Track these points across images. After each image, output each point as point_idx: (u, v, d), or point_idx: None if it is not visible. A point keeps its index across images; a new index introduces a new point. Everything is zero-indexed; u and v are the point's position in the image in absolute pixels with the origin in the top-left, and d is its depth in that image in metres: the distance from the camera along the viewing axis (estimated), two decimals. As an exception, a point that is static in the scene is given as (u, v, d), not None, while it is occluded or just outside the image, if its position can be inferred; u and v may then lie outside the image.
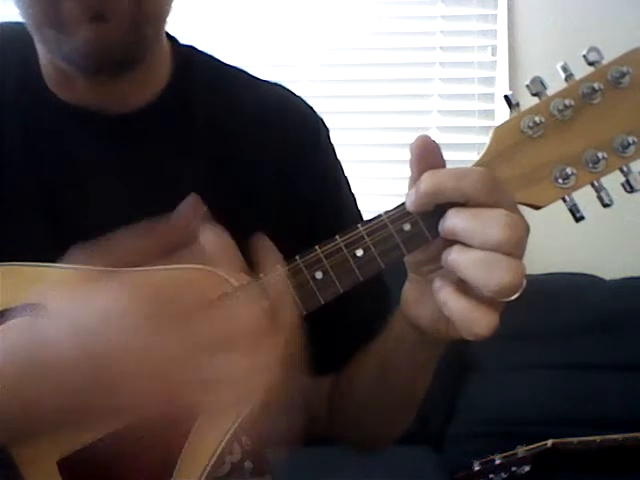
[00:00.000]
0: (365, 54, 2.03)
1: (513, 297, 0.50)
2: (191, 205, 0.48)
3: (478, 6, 1.99)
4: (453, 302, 0.52)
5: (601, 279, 1.84)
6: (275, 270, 0.46)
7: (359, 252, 0.55)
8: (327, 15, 2.01)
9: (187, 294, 0.43)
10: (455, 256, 0.51)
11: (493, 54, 1.99)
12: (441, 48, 2.02)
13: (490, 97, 1.99)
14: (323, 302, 0.55)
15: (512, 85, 1.92)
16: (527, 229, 0.51)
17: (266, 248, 0.46)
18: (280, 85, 0.77)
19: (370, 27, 2.01)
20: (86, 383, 0.42)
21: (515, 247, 0.49)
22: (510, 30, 1.96)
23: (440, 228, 0.53)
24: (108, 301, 0.41)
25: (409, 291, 0.59)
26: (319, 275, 0.54)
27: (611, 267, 1.87)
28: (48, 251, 0.55)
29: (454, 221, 0.51)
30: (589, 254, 1.92)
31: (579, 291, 1.81)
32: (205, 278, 0.50)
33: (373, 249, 0.54)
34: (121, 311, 0.41)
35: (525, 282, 0.50)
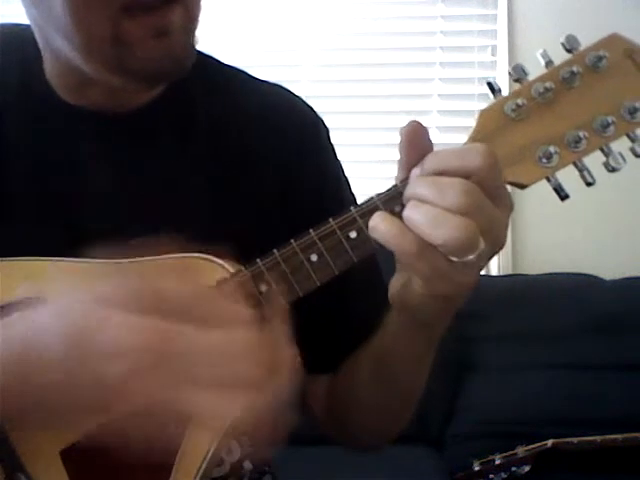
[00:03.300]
0: (365, 54, 2.03)
1: (467, 258, 0.50)
2: None
3: (478, 6, 1.99)
4: (419, 263, 0.52)
5: (601, 279, 1.84)
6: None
7: (352, 234, 0.56)
8: (327, 15, 2.02)
9: (184, 288, 0.42)
10: (409, 211, 0.52)
11: (493, 54, 1.99)
12: (441, 48, 2.02)
13: (490, 97, 1.98)
14: (319, 284, 0.57)
15: (512, 85, 1.91)
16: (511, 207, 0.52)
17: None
18: (279, 85, 0.77)
19: (370, 27, 2.02)
20: (72, 371, 0.41)
21: (473, 211, 0.50)
22: (510, 30, 1.96)
23: (404, 195, 0.54)
24: (102, 292, 0.41)
25: (396, 278, 0.60)
26: (314, 257, 0.56)
27: (611, 267, 1.87)
28: (51, 251, 0.56)
29: (415, 186, 0.54)
30: (589, 254, 1.91)
31: (579, 291, 1.81)
32: (202, 265, 0.52)
33: (366, 231, 0.56)
34: (112, 302, 0.40)
35: (480, 246, 0.50)
